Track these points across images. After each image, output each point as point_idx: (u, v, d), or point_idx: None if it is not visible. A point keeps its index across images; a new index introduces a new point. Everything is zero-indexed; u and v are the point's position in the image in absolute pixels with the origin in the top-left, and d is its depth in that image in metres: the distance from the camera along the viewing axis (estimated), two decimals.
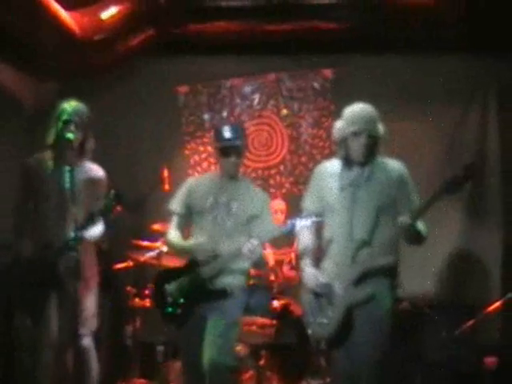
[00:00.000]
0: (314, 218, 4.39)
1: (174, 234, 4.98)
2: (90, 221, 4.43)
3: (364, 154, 4.30)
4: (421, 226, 4.22)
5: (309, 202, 4.58)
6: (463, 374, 6.00)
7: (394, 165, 4.41)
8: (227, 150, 4.83)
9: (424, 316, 6.22)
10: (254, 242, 4.52)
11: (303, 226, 4.39)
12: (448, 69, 7.08)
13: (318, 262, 4.50)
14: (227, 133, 4.84)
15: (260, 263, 4.96)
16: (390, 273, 4.33)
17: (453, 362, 5.99)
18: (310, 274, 4.40)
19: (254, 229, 4.76)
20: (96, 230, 4.52)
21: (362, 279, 4.22)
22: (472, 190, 7.06)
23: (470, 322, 5.81)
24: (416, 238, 4.23)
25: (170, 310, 4.80)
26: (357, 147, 4.31)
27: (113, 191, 4.40)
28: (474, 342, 6.02)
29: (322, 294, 4.32)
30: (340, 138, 4.37)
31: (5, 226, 4.76)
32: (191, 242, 4.86)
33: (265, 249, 5.21)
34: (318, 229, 4.51)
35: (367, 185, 4.33)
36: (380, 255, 4.23)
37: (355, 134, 4.29)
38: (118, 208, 4.42)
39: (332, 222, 4.41)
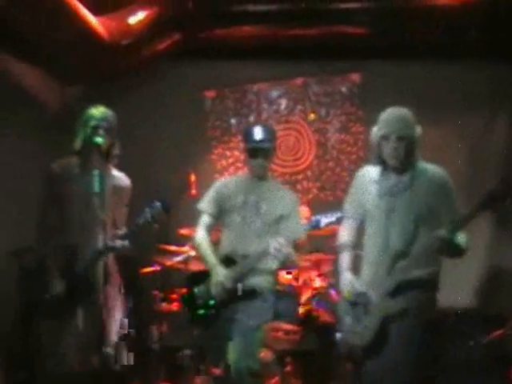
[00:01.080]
0: (339, 214, 4.35)
1: (201, 236, 4.98)
2: (133, 231, 4.45)
3: (394, 157, 4.16)
4: (460, 238, 4.07)
5: (349, 206, 4.47)
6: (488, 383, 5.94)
7: (436, 172, 4.23)
8: (255, 152, 4.82)
9: (452, 325, 6.17)
10: (281, 240, 4.50)
11: (329, 223, 4.35)
12: (473, 75, 7.04)
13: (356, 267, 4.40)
14: (257, 134, 4.83)
15: (288, 263, 4.90)
16: (428, 286, 4.18)
17: (480, 371, 5.93)
18: (347, 280, 4.30)
19: (283, 229, 4.74)
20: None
21: (397, 291, 4.09)
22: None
23: (498, 332, 5.76)
24: (454, 251, 4.09)
25: (201, 312, 4.81)
26: (387, 151, 4.18)
27: (157, 202, 4.39)
28: (501, 351, 5.95)
29: (358, 303, 4.23)
30: (374, 143, 4.26)
31: (29, 230, 4.75)
32: (212, 258, 4.85)
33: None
34: (358, 228, 4.40)
35: (406, 193, 4.18)
36: (417, 267, 4.09)
37: (384, 137, 4.18)
38: (163, 218, 4.42)
39: (370, 229, 4.31)
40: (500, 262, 7.06)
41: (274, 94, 7.67)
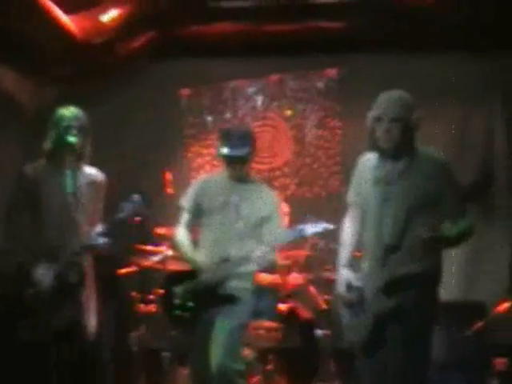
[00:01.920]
0: (325, 225, 4.26)
1: (182, 233, 4.91)
2: (114, 227, 4.38)
3: (387, 139, 3.95)
4: (452, 229, 3.80)
5: (351, 193, 4.28)
6: (473, 375, 5.93)
7: (435, 158, 4.02)
8: (232, 160, 4.72)
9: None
10: (265, 249, 4.45)
11: (314, 233, 4.27)
12: (454, 68, 7.02)
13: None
14: (232, 142, 4.69)
15: (269, 268, 4.88)
16: (426, 282, 3.96)
17: (463, 363, 5.92)
18: (344, 275, 4.14)
19: (265, 232, 4.68)
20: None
21: (391, 287, 3.89)
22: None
23: (480, 323, 5.75)
24: (445, 244, 3.91)
25: (177, 312, 4.74)
26: (380, 133, 3.98)
27: (136, 195, 4.33)
28: (483, 342, 5.95)
29: (354, 301, 4.07)
30: (368, 126, 4.06)
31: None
32: (197, 256, 4.79)
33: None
34: (362, 218, 4.18)
35: (401, 181, 3.97)
36: (411, 261, 3.88)
37: (377, 118, 3.98)
38: (144, 212, 4.37)
39: (366, 220, 4.12)
40: (480, 251, 7.06)
41: (251, 90, 7.61)
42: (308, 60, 7.31)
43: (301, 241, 6.14)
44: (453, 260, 6.95)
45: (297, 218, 6.11)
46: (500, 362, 5.93)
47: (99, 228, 4.43)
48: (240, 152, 4.68)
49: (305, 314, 6.21)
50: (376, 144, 4.04)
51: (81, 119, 4.52)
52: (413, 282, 3.90)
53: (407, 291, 3.90)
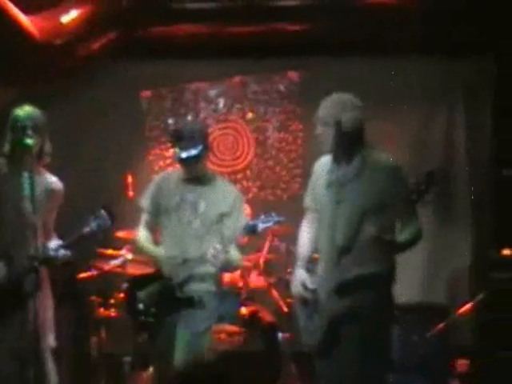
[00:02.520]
0: (277, 218, 4.27)
1: (142, 234, 4.87)
2: (77, 240, 4.29)
3: (322, 143, 4.07)
4: (402, 231, 3.97)
5: (307, 198, 4.33)
6: (434, 377, 5.96)
7: (387, 162, 4.10)
8: (183, 159, 4.65)
9: (394, 319, 6.17)
10: (218, 246, 4.42)
11: (266, 228, 4.27)
12: (413, 71, 7.09)
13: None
14: (183, 143, 4.62)
15: (229, 267, 4.82)
16: (378, 283, 4.00)
17: (424, 365, 5.94)
18: (299, 278, 4.17)
19: (225, 228, 4.63)
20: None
21: (343, 289, 3.95)
22: (440, 192, 7.05)
23: (441, 325, 5.78)
24: (393, 249, 4.01)
25: (142, 318, 4.68)
26: (320, 138, 4.08)
27: (103, 211, 4.27)
28: (445, 344, 5.98)
29: (308, 301, 4.12)
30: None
31: None
32: (158, 250, 4.76)
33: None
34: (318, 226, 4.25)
35: (353, 183, 4.02)
36: (362, 263, 3.92)
37: (318, 123, 4.09)
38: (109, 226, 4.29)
39: (320, 222, 4.18)
40: (440, 254, 7.11)
41: (212, 92, 7.58)
42: (269, 63, 7.32)
43: (260, 243, 6.16)
44: (413, 262, 7.02)
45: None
46: (461, 364, 5.98)
47: (57, 241, 4.38)
48: (191, 152, 4.61)
49: (267, 317, 6.19)
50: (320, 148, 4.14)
51: (36, 119, 4.44)
52: (365, 283, 3.95)
53: (360, 292, 3.95)
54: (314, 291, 4.08)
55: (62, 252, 4.30)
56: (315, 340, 4.10)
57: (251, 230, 4.33)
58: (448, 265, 7.12)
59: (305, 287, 4.12)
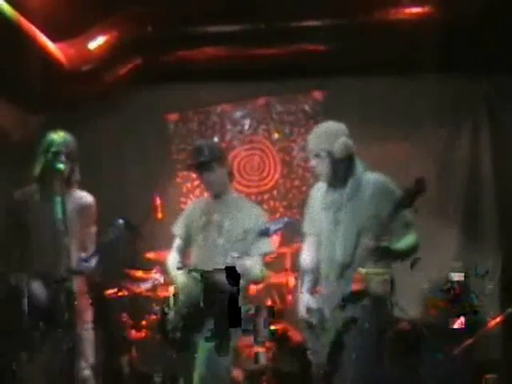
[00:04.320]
0: (286, 219, 4.37)
1: (173, 257, 5.00)
2: (98, 252, 4.43)
3: (318, 173, 4.27)
4: (400, 242, 4.10)
5: (306, 223, 4.54)
6: None
7: (375, 179, 4.25)
8: (197, 168, 4.87)
9: (423, 336, 6.15)
10: (234, 254, 4.49)
11: (277, 230, 4.35)
12: (437, 91, 7.05)
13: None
14: (195, 151, 4.87)
15: (249, 277, 4.87)
16: (375, 296, 4.14)
17: (452, 382, 5.91)
18: (303, 299, 4.34)
19: (250, 244, 4.67)
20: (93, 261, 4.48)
21: (346, 303, 4.09)
22: (467, 213, 7.06)
23: (469, 341, 5.76)
24: (388, 256, 4.08)
25: (170, 335, 4.76)
26: (318, 170, 4.28)
27: (120, 220, 4.35)
28: (472, 361, 5.95)
29: (314, 320, 4.24)
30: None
31: None
32: (181, 278, 4.83)
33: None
34: (319, 245, 4.41)
35: (348, 206, 4.22)
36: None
37: (310, 155, 4.28)
38: (127, 236, 4.39)
39: (321, 245, 4.35)
40: (467, 271, 7.06)
41: (238, 114, 7.65)
42: (293, 83, 7.38)
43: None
44: (442, 281, 7.00)
45: (288, 239, 6.18)
46: (489, 378, 5.94)
47: (85, 253, 4.47)
48: (203, 158, 4.80)
49: (296, 335, 6.20)
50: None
51: (70, 145, 4.55)
52: (365, 295, 4.09)
53: (362, 304, 4.09)
54: (319, 310, 4.22)
55: (85, 265, 4.38)
56: (324, 358, 4.19)
57: (264, 233, 4.41)
58: (475, 281, 7.07)
59: (310, 309, 4.26)
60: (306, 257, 4.51)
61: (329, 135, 4.23)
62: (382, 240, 3.97)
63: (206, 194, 5.14)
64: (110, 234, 4.35)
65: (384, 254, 4.03)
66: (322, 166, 4.24)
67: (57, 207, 4.29)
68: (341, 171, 4.23)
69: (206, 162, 4.81)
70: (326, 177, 4.27)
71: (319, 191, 4.44)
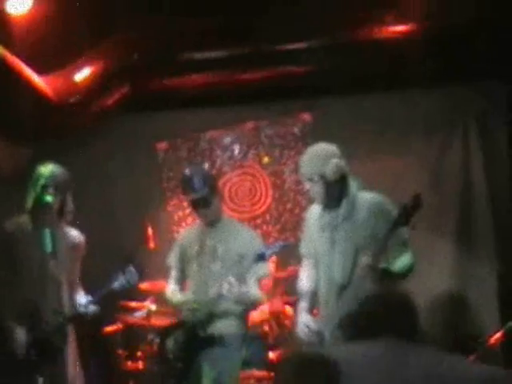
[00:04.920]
0: (282, 243, 4.36)
1: (171, 289, 5.02)
2: (103, 297, 4.41)
3: (313, 197, 4.31)
4: (398, 261, 4.12)
5: (303, 246, 4.54)
6: None
7: (371, 199, 4.30)
8: (194, 203, 4.85)
9: None
10: (231, 279, 4.46)
11: (273, 254, 4.33)
12: (425, 102, 7.09)
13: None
14: (192, 184, 4.84)
15: (247, 302, 4.82)
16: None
17: None
18: (303, 321, 4.33)
19: (245, 268, 4.69)
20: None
21: (347, 323, 4.00)
22: (461, 222, 7.04)
23: (471, 357, 5.69)
24: (387, 275, 4.09)
25: (170, 364, 4.76)
26: (312, 193, 4.30)
27: (131, 267, 4.33)
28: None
29: (315, 343, 4.21)
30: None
31: None
32: (180, 297, 4.83)
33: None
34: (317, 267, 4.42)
35: (344, 226, 4.24)
36: (361, 296, 4.00)
37: (307, 180, 4.29)
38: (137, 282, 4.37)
39: (318, 266, 4.36)
40: (465, 284, 7.03)
41: (227, 140, 7.62)
42: (281, 106, 7.36)
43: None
44: (438, 296, 6.94)
45: (285, 263, 6.13)
46: None
47: (85, 297, 4.42)
48: (201, 193, 4.79)
49: None
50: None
51: (58, 177, 4.52)
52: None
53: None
54: (319, 332, 4.21)
55: (92, 308, 4.35)
56: None
57: (260, 258, 4.39)
58: (474, 295, 7.02)
59: (309, 329, 4.25)
60: (305, 279, 4.50)
61: (320, 158, 4.25)
62: (379, 259, 3.98)
63: (197, 222, 5.13)
64: (121, 281, 4.32)
65: (383, 276, 4.03)
66: (315, 189, 4.26)
67: (47, 240, 4.25)
68: (335, 193, 4.26)
69: (201, 198, 4.78)
70: (320, 199, 4.29)
71: (314, 213, 4.46)
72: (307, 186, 4.31)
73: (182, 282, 5.05)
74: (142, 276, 4.40)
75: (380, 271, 4.00)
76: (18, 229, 4.59)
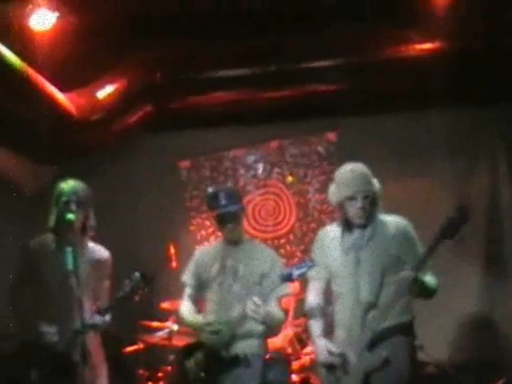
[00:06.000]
0: (310, 263, 4.25)
1: (186, 307, 4.92)
2: (113, 305, 4.36)
3: (363, 216, 4.16)
4: (428, 278, 4.05)
5: (314, 272, 4.34)
6: None
7: (395, 222, 4.24)
8: (224, 218, 4.74)
9: (450, 378, 6.01)
10: (256, 299, 4.37)
11: (301, 274, 4.23)
12: (450, 122, 7.02)
13: (330, 330, 4.32)
14: (220, 200, 4.73)
15: (272, 322, 4.73)
16: (404, 333, 4.14)
17: None
18: (321, 345, 4.21)
19: (266, 288, 4.59)
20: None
21: (374, 343, 4.03)
22: (488, 242, 6.94)
23: (500, 382, 5.63)
24: (423, 291, 4.02)
25: None
26: (355, 211, 4.16)
27: (137, 273, 4.28)
28: None
29: (336, 365, 4.11)
30: (337, 202, 4.23)
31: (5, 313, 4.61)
32: (199, 318, 4.74)
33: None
34: (326, 292, 4.34)
35: (369, 246, 4.17)
36: (389, 316, 4.06)
37: (350, 198, 4.15)
38: (144, 289, 4.30)
39: (339, 287, 4.26)
40: (492, 310, 6.92)
41: (251, 158, 7.59)
42: (306, 125, 7.33)
43: None
44: (466, 321, 6.86)
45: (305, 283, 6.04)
46: None
47: (103, 306, 4.38)
48: (231, 208, 4.71)
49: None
50: (347, 219, 4.22)
51: (80, 192, 4.50)
52: (395, 335, 4.08)
53: (391, 344, 4.05)
54: (341, 355, 4.10)
55: (100, 319, 4.29)
56: None
57: (287, 278, 4.28)
58: (501, 320, 6.91)
59: (331, 353, 4.14)
60: (313, 301, 4.37)
61: (367, 176, 4.19)
62: (421, 273, 3.93)
63: (216, 241, 5.07)
64: (126, 288, 4.27)
65: (418, 287, 3.94)
66: (362, 209, 4.13)
67: (68, 258, 4.21)
68: (372, 212, 4.18)
69: (230, 213, 4.71)
70: (363, 218, 4.16)
71: (331, 235, 4.34)
72: (358, 204, 4.13)
73: (196, 300, 4.95)
74: (149, 282, 4.29)
75: (421, 285, 3.92)
76: (42, 248, 4.55)
